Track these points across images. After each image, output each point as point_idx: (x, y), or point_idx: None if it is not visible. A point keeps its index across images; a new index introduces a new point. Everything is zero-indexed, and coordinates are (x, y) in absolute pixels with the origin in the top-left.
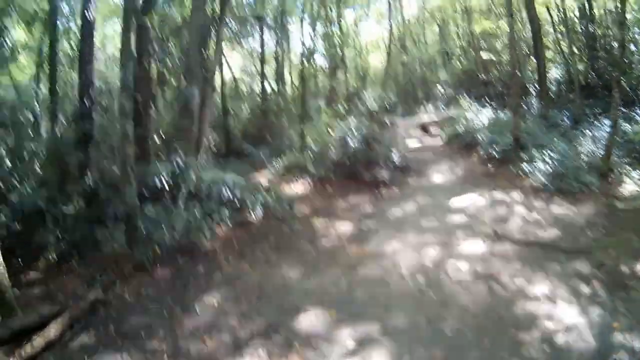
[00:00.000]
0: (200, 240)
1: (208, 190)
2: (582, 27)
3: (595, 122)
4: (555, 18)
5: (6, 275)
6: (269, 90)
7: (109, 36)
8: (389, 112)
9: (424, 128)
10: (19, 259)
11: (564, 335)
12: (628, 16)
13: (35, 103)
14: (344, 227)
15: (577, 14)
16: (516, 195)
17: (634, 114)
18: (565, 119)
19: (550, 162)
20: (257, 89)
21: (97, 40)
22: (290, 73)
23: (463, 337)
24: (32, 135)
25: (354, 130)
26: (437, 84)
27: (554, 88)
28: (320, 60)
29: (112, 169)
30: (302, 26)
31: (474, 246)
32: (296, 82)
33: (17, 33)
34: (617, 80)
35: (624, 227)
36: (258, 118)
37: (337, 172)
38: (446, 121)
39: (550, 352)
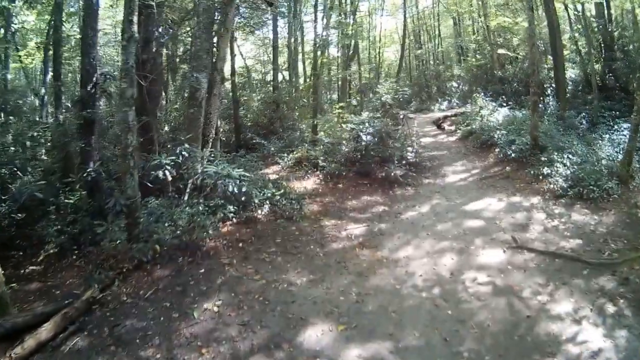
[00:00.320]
0: (203, 238)
1: (213, 184)
2: (600, 27)
3: (613, 125)
4: (572, 16)
5: (1, 272)
6: (281, 80)
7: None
8: (403, 106)
9: (438, 124)
10: (20, 251)
11: None
12: None
13: (42, 89)
14: (355, 229)
15: (594, 12)
16: (535, 199)
17: None
18: (583, 121)
19: (569, 165)
20: (270, 78)
21: (107, 23)
22: (303, 63)
23: None
24: (38, 121)
25: (367, 124)
26: (451, 79)
27: (569, 88)
28: (334, 51)
29: (115, 158)
30: (315, 16)
31: (493, 255)
32: (309, 73)
33: (27, 17)
34: (639, 81)
35: None
36: (269, 109)
37: (349, 167)
38: (460, 117)
39: None
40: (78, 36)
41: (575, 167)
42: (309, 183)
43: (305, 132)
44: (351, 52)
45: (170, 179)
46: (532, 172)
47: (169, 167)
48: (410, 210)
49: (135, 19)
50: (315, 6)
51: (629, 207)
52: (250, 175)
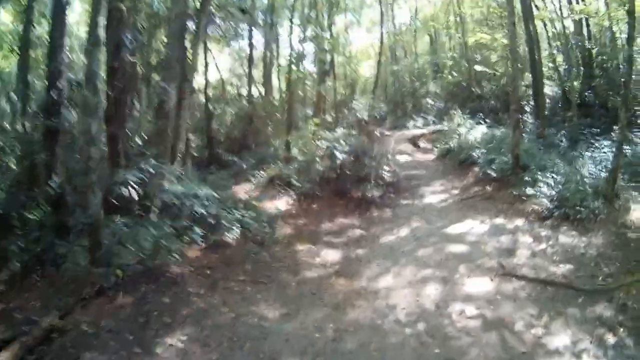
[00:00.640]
0: (168, 264)
1: (179, 204)
2: (579, 44)
3: (593, 143)
4: (550, 33)
5: None
6: (256, 94)
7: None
8: (379, 123)
9: (414, 142)
10: None
11: None
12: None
13: (14, 94)
14: (331, 255)
15: (573, 29)
16: (520, 221)
17: (632, 135)
18: (563, 139)
19: (554, 185)
20: (244, 92)
21: (85, 29)
22: (278, 77)
23: None
24: (5, 129)
25: (342, 142)
26: (427, 96)
27: (547, 105)
28: (309, 66)
29: (80, 172)
30: (291, 28)
31: (480, 284)
32: (284, 87)
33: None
34: (624, 98)
35: None
36: (243, 123)
37: (323, 187)
38: (437, 135)
39: None
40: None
41: (560, 186)
42: (282, 203)
43: (278, 148)
44: (327, 66)
45: (135, 196)
46: (514, 192)
47: (133, 184)
48: (388, 233)
49: (101, 22)
50: (291, 19)
51: (617, 227)
52: (218, 195)
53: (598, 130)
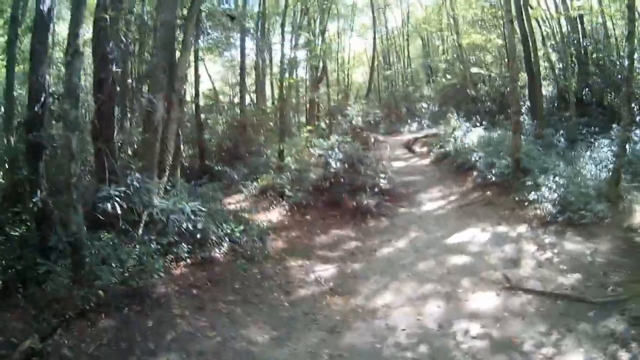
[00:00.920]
0: (153, 284)
1: (165, 219)
2: (574, 41)
3: (592, 142)
4: (545, 31)
5: None
6: (248, 102)
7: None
8: (373, 128)
9: (409, 146)
10: None
11: None
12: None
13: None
14: (325, 270)
15: (569, 28)
16: (522, 228)
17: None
18: (561, 139)
19: (556, 188)
20: (237, 100)
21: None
22: (271, 85)
23: None
24: None
25: (336, 150)
26: (421, 100)
27: (544, 105)
28: (302, 73)
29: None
30: (283, 35)
31: (485, 299)
32: (277, 95)
33: None
34: (627, 96)
35: None
36: (235, 132)
37: (317, 197)
38: (432, 139)
39: None
40: None
41: (563, 189)
42: (274, 215)
43: (271, 157)
44: (320, 73)
45: (119, 212)
46: (515, 197)
47: (117, 199)
48: (386, 245)
49: (81, 32)
50: (283, 25)
51: (624, 232)
52: (205, 209)
53: (596, 129)
